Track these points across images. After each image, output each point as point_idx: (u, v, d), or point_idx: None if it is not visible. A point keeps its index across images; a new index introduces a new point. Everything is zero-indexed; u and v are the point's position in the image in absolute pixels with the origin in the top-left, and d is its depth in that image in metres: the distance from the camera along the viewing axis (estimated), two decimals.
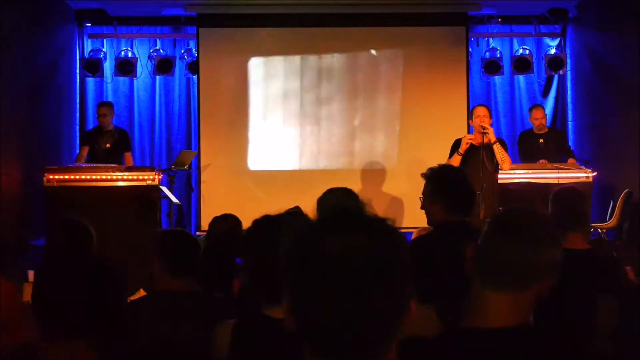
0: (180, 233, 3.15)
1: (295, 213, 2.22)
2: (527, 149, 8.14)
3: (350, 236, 1.12)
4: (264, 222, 2.15)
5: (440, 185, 3.30)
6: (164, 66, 9.08)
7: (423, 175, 3.40)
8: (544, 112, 8.32)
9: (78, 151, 8.22)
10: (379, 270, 1.11)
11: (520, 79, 9.59)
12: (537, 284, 1.62)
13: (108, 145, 8.02)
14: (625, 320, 2.51)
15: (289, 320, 1.15)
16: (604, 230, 7.59)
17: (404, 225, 7.77)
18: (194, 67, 9.15)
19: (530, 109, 8.40)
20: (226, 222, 4.43)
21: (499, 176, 7.40)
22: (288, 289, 1.15)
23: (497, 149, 6.50)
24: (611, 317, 2.59)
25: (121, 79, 9.38)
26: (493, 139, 6.51)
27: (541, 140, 8.08)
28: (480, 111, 6.62)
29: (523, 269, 1.61)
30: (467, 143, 6.40)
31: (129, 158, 8.17)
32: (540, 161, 7.69)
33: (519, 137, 8.44)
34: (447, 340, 1.63)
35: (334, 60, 9.01)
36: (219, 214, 4.60)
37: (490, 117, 6.74)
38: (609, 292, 2.66)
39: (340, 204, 1.19)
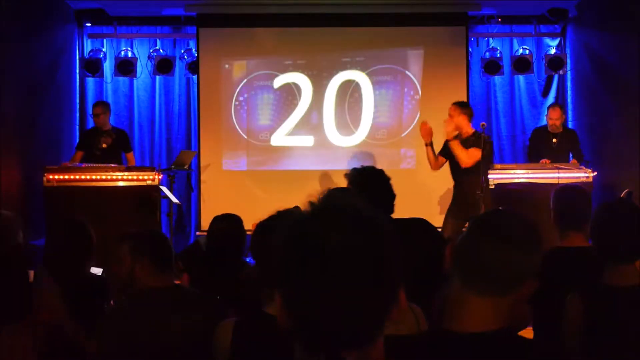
0: (156, 232, 3.23)
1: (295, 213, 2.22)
2: (538, 147, 8.05)
3: (341, 232, 1.13)
4: (270, 223, 2.16)
5: (363, 186, 3.35)
6: (163, 66, 9.08)
7: (345, 175, 3.46)
8: (562, 112, 8.14)
9: (72, 154, 8.16)
10: (371, 266, 1.12)
11: (520, 79, 9.59)
12: (519, 288, 1.61)
13: (104, 146, 7.95)
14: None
15: (281, 316, 1.16)
16: None
17: None
18: (193, 67, 9.15)
19: (548, 108, 8.28)
20: (225, 222, 4.44)
21: (499, 176, 7.42)
22: (280, 285, 1.16)
23: (454, 146, 6.68)
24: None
25: (121, 79, 9.39)
26: (449, 136, 6.72)
27: (554, 140, 7.99)
28: (449, 110, 6.88)
29: (507, 273, 1.59)
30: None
31: (131, 158, 8.13)
32: (542, 161, 7.67)
33: (532, 133, 8.37)
34: (428, 341, 1.62)
35: (334, 60, 9.01)
36: (218, 214, 4.60)
37: (461, 113, 6.88)
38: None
39: (332, 200, 1.20)
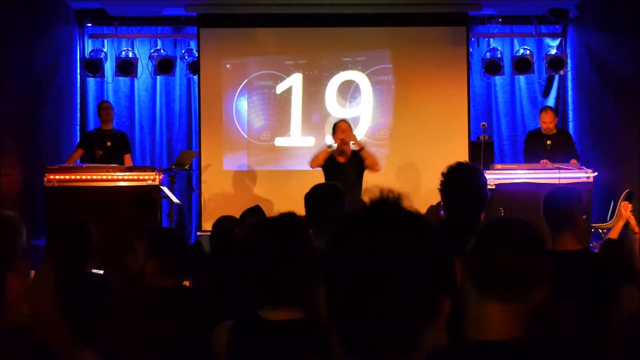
0: (174, 233, 3.21)
1: (291, 215, 2.21)
2: (533, 149, 8.04)
3: (390, 234, 1.12)
4: (262, 226, 2.15)
5: (446, 183, 3.23)
6: (164, 66, 9.08)
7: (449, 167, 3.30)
8: (554, 115, 8.10)
9: (72, 152, 8.17)
10: (418, 270, 1.12)
11: (521, 79, 9.59)
12: (534, 293, 1.64)
13: (109, 144, 8.00)
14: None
15: (325, 314, 1.15)
16: (605, 230, 7.58)
17: None
18: (194, 67, 9.16)
19: (540, 112, 8.26)
20: (231, 222, 4.41)
21: (500, 176, 7.41)
22: (326, 285, 1.16)
23: (365, 153, 6.75)
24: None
25: (122, 79, 9.39)
26: (359, 145, 6.77)
27: (549, 142, 7.97)
28: (343, 126, 6.90)
29: (521, 277, 1.63)
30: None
31: (128, 160, 8.17)
32: (542, 161, 7.66)
33: (527, 136, 8.35)
34: (450, 353, 1.62)
35: (335, 60, 9.01)
36: (219, 214, 4.58)
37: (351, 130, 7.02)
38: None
39: (381, 201, 1.19)
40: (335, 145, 6.89)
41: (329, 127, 8.88)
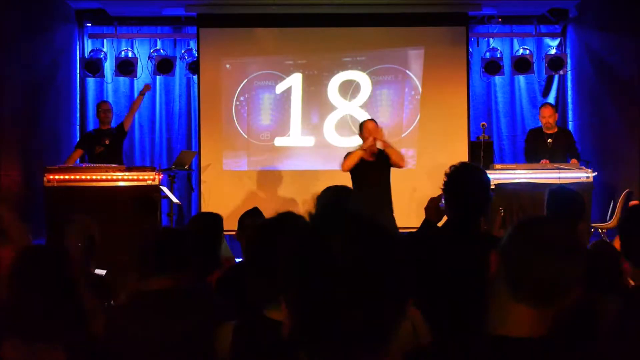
0: (159, 231, 3.18)
1: (292, 214, 2.21)
2: (534, 148, 8.02)
3: (347, 241, 1.13)
4: (265, 226, 2.15)
5: (459, 187, 3.13)
6: (164, 66, 9.08)
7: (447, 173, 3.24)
8: (553, 110, 8.08)
9: (71, 153, 8.17)
10: (376, 276, 1.12)
11: (521, 79, 9.59)
12: (565, 297, 1.63)
13: (108, 142, 8.00)
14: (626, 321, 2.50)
15: (286, 323, 1.16)
16: (605, 230, 7.59)
17: (400, 225, 7.76)
18: (194, 67, 9.16)
19: (540, 108, 8.24)
20: (202, 220, 4.37)
21: (499, 176, 7.42)
22: (287, 292, 1.16)
23: (391, 150, 6.68)
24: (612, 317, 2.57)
25: (121, 79, 9.39)
26: (385, 144, 6.70)
27: (550, 140, 7.96)
28: (371, 125, 6.79)
29: (554, 284, 1.61)
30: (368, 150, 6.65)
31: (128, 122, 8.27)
32: (542, 161, 7.66)
33: (527, 135, 8.34)
34: (471, 346, 1.63)
35: (335, 60, 9.01)
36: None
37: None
38: (609, 292, 2.63)
39: (339, 206, 1.19)
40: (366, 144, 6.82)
41: (329, 125, 8.93)
